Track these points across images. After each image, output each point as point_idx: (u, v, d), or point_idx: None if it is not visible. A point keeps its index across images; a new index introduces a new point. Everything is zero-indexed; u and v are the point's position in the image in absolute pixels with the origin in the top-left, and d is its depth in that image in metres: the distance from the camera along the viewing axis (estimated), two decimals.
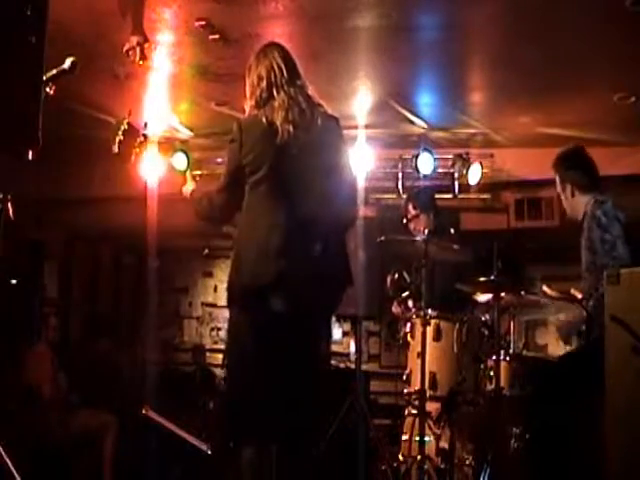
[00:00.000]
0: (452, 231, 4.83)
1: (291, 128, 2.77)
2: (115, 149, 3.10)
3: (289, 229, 2.73)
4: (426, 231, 4.53)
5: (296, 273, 2.71)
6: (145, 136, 3.19)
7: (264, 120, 2.80)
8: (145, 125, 3.35)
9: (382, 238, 4.61)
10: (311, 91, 2.94)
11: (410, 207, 4.89)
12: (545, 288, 3.90)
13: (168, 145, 6.39)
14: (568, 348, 3.97)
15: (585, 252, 3.54)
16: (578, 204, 3.72)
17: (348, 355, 7.74)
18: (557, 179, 3.85)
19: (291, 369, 2.74)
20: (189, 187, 3.16)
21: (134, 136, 3.14)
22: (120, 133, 3.10)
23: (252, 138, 2.80)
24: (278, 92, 2.86)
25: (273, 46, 3.04)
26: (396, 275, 4.87)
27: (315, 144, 2.83)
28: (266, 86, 2.88)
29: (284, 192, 2.78)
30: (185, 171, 3.90)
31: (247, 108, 2.96)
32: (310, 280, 2.73)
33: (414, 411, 4.26)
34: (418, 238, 4.41)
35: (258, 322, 2.72)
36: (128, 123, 3.11)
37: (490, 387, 4.12)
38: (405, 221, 4.85)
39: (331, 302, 2.90)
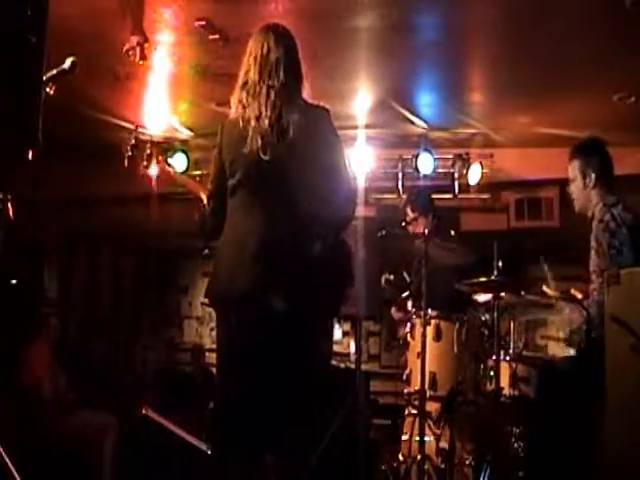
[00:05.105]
0: (452, 233, 4.83)
1: (259, 138, 2.65)
2: (126, 163, 3.06)
3: (266, 235, 2.63)
4: (426, 232, 4.53)
5: (278, 280, 2.61)
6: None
7: (241, 124, 2.70)
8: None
9: (383, 232, 4.61)
10: (307, 91, 2.81)
11: (408, 210, 4.90)
12: (545, 288, 3.90)
13: (168, 145, 6.40)
14: (570, 350, 3.96)
15: (593, 253, 3.47)
16: (592, 198, 3.60)
17: (348, 355, 7.73)
18: (575, 167, 3.67)
19: (274, 375, 2.65)
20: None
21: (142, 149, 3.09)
22: (130, 148, 3.08)
23: (229, 142, 2.74)
24: (255, 93, 2.72)
25: (270, 31, 2.81)
26: (392, 276, 4.86)
27: (296, 149, 2.68)
28: (244, 82, 2.76)
29: (258, 199, 2.69)
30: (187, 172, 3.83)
31: (235, 97, 2.79)
32: (299, 286, 2.63)
33: (414, 411, 4.27)
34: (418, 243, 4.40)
35: (234, 329, 2.65)
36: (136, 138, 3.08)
37: (490, 387, 4.13)
38: (404, 224, 4.85)
39: (326, 304, 2.77)
